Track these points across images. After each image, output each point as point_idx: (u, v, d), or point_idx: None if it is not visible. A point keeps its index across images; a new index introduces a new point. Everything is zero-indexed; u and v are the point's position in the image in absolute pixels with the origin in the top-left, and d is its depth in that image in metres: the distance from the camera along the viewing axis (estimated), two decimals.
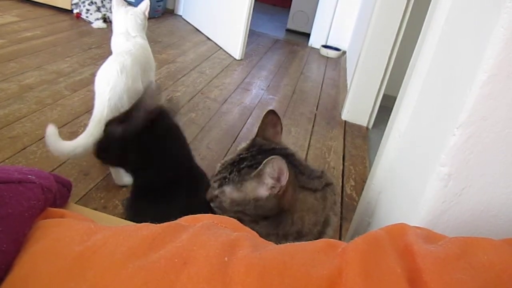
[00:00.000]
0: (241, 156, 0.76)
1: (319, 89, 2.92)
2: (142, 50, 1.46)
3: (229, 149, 1.82)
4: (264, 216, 0.70)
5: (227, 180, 0.73)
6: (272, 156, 0.66)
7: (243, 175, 0.72)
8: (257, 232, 0.59)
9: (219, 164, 0.79)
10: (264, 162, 0.66)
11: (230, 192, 0.72)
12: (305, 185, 0.74)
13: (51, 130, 1.11)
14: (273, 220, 0.71)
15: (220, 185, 0.74)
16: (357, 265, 0.41)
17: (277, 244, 0.54)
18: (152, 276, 0.40)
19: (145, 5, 1.56)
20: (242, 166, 0.74)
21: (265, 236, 0.62)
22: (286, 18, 4.75)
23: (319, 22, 4.10)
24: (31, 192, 0.50)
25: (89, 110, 1.86)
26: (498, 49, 0.50)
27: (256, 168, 0.69)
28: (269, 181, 0.68)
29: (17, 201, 0.47)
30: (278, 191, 0.68)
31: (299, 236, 0.72)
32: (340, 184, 1.72)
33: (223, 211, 0.74)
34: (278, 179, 0.68)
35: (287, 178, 0.67)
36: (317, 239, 0.68)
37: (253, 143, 0.80)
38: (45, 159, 1.44)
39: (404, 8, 2.09)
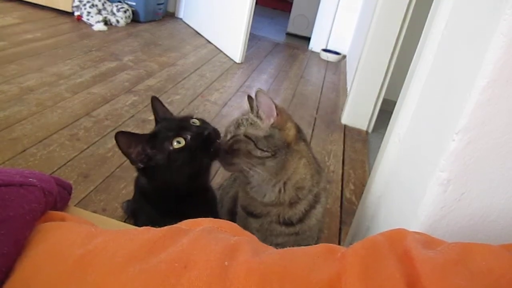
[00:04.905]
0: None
1: (319, 93, 2.93)
2: None
3: None
4: (274, 152, 0.79)
5: (242, 122, 0.83)
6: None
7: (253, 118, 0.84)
8: (261, 174, 0.77)
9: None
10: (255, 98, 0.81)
11: (244, 129, 0.81)
12: (301, 136, 0.86)
13: None
14: (278, 162, 0.79)
15: (237, 127, 0.83)
16: (356, 270, 0.42)
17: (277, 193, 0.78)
18: (152, 280, 0.41)
19: None
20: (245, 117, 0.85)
21: (268, 181, 0.79)
22: (286, 21, 4.76)
23: (320, 26, 4.12)
24: (32, 195, 0.50)
25: (89, 112, 1.86)
26: (497, 55, 0.51)
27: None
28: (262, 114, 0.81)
29: (19, 204, 0.47)
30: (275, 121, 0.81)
31: (297, 190, 0.82)
32: (340, 188, 1.72)
33: (235, 156, 0.80)
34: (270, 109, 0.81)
35: (276, 107, 0.81)
36: (310, 206, 0.84)
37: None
38: (45, 161, 1.44)
39: (404, 12, 2.09)
